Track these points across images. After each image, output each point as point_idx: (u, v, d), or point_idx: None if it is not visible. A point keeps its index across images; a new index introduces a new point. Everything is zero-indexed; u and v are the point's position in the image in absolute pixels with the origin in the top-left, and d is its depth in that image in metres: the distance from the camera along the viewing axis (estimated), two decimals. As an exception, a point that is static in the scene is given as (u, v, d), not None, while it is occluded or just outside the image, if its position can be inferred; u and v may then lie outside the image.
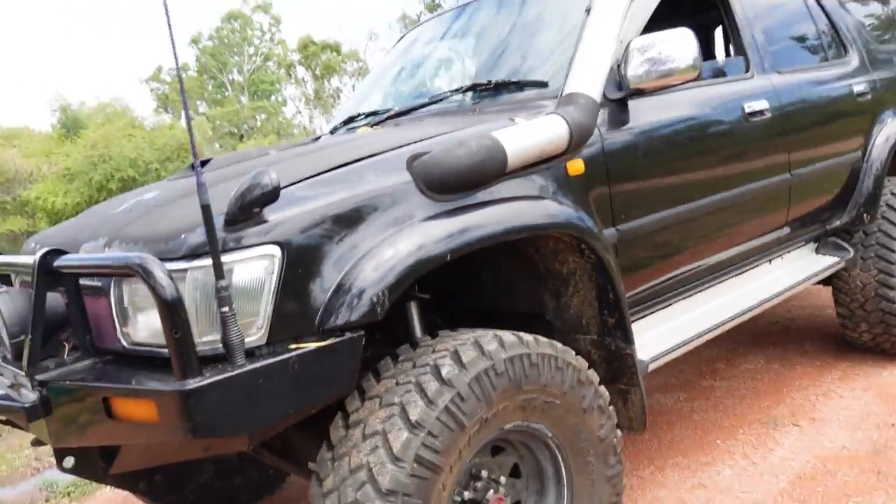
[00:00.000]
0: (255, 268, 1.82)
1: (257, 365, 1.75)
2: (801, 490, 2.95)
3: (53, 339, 2.02)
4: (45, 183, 16.69)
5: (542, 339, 2.21)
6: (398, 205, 2.02)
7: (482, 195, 2.16)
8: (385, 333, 2.52)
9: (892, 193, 3.85)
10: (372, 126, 2.97)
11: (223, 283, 1.71)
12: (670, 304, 2.99)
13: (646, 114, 2.68)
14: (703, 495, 3.02)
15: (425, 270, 1.97)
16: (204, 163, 2.61)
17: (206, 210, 1.70)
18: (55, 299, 2.04)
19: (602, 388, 2.35)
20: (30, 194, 16.52)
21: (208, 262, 1.73)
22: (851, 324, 3.97)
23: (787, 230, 3.42)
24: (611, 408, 2.37)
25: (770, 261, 3.44)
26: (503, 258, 2.54)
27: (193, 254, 1.80)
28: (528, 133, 2.22)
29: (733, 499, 2.96)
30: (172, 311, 1.68)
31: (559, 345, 2.24)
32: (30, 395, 1.92)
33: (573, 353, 2.29)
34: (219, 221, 1.80)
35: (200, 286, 1.79)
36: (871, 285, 3.79)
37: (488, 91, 2.82)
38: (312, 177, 2.04)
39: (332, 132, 3.39)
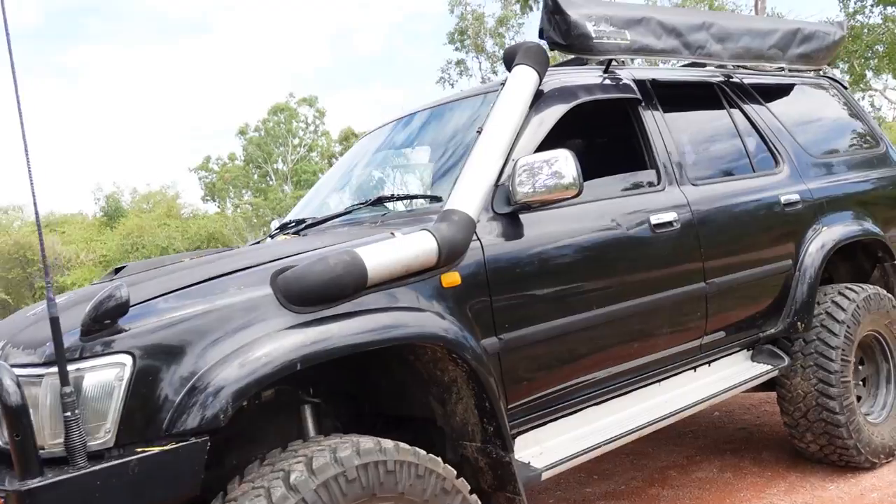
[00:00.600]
0: (105, 375, 1.96)
1: (97, 467, 1.88)
2: None
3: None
4: (82, 269, 17.36)
5: (403, 446, 2.26)
6: (256, 317, 2.15)
7: (346, 307, 2.28)
8: (284, 436, 2.61)
9: (833, 301, 3.84)
10: (289, 235, 3.14)
11: (67, 389, 1.86)
12: (579, 411, 3.00)
13: (539, 227, 2.79)
14: None
15: (274, 380, 2.08)
16: (121, 269, 2.81)
17: (53, 322, 1.87)
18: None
19: (473, 497, 2.37)
20: (66, 280, 17.20)
21: None
22: (798, 433, 3.90)
23: (710, 337, 3.42)
24: (483, 517, 2.39)
25: (695, 368, 3.44)
26: (393, 364, 2.63)
27: (51, 361, 1.96)
28: (393, 248, 2.34)
29: None
30: (13, 415, 1.83)
31: (422, 452, 2.29)
32: None
33: (440, 461, 2.33)
34: (78, 332, 1.98)
35: (53, 391, 1.94)
36: (812, 394, 3.74)
37: (395, 203, 2.98)
38: (182, 288, 2.20)
39: (271, 237, 3.57)
